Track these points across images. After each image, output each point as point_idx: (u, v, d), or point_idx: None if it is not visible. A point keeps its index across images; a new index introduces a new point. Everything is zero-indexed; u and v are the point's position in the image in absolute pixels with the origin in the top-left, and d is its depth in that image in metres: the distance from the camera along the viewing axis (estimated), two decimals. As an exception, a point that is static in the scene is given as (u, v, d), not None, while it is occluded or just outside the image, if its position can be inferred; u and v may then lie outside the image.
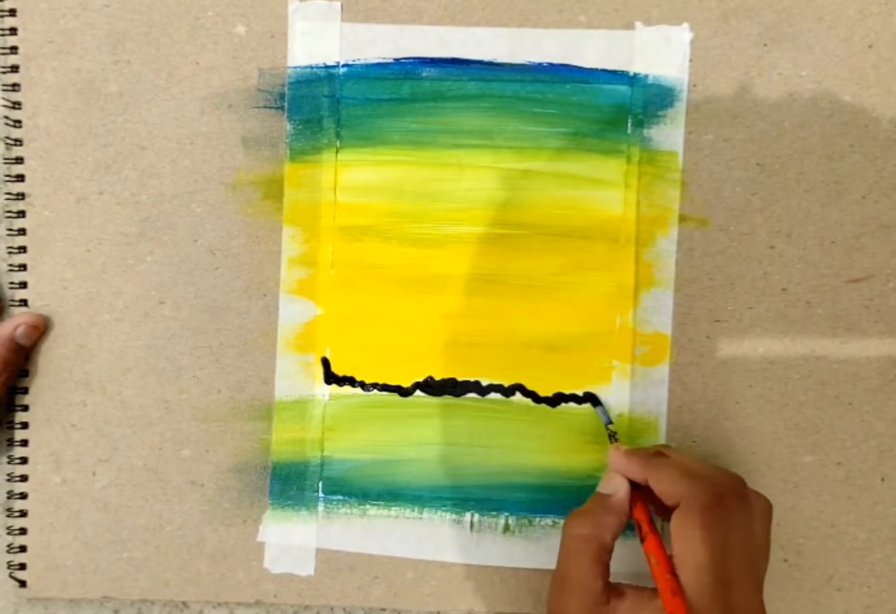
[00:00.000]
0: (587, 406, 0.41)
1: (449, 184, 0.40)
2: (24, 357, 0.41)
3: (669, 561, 0.32)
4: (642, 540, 0.34)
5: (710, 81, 0.40)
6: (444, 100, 0.40)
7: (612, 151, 0.40)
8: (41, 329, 0.41)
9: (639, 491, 0.35)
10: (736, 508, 0.33)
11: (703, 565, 0.31)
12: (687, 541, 0.32)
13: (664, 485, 0.33)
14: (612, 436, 0.39)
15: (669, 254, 0.40)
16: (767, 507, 0.35)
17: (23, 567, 0.42)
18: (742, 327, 0.40)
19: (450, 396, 0.41)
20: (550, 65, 0.40)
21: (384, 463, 0.41)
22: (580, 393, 0.41)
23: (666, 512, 0.34)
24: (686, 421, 0.40)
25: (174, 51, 0.41)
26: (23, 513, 0.42)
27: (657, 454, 0.36)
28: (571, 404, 0.41)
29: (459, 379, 0.41)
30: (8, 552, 0.42)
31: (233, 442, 0.42)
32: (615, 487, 0.35)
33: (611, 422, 0.40)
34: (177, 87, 0.41)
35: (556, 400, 0.41)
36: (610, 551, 0.34)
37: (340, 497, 0.41)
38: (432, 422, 0.41)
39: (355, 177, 0.41)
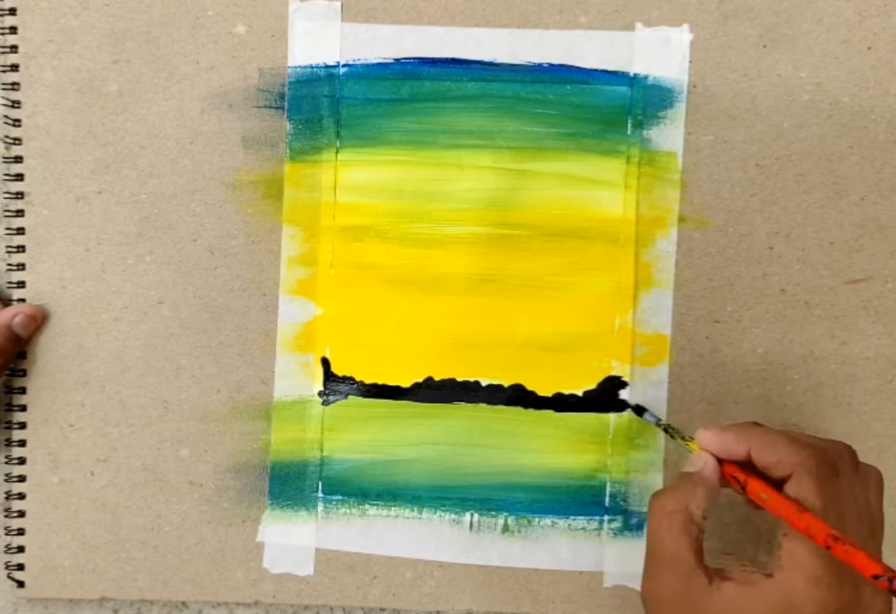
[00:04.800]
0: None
1: (449, 184, 0.40)
2: (20, 347, 0.41)
3: (781, 492, 0.30)
4: (743, 489, 0.32)
5: (709, 82, 0.40)
6: (444, 100, 0.40)
7: (612, 152, 0.40)
8: (38, 320, 0.41)
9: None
10: (850, 477, 0.31)
11: None
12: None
13: (771, 455, 0.31)
14: (668, 431, 0.37)
15: (669, 255, 0.40)
16: (880, 477, 0.33)
17: (21, 567, 0.42)
18: (741, 328, 0.40)
19: (449, 397, 0.41)
20: (550, 65, 0.40)
21: (383, 463, 0.41)
22: (580, 393, 0.41)
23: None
24: (685, 421, 0.40)
25: (174, 50, 0.40)
26: (21, 514, 0.42)
27: (755, 424, 0.33)
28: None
29: (459, 379, 0.41)
30: (6, 552, 0.42)
31: (232, 442, 0.41)
32: (701, 462, 0.33)
33: (660, 420, 0.39)
34: (177, 87, 0.41)
35: (556, 400, 0.41)
36: (700, 526, 0.32)
37: (340, 497, 0.41)
38: (432, 421, 0.41)
39: (355, 177, 0.41)
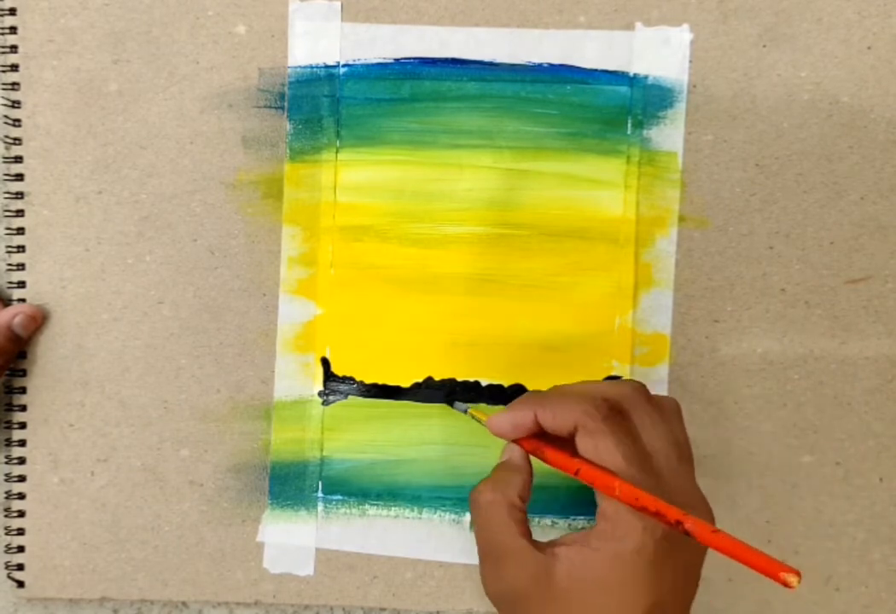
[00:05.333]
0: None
1: (449, 184, 0.40)
2: (20, 347, 0.41)
3: (576, 456, 0.31)
4: (543, 459, 0.32)
5: (709, 82, 0.40)
6: (444, 100, 0.40)
7: (612, 152, 0.40)
8: (39, 320, 0.41)
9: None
10: (639, 411, 0.32)
11: (623, 469, 0.30)
12: (598, 455, 0.30)
13: (554, 415, 0.31)
14: (474, 417, 0.37)
15: (669, 255, 0.40)
16: (675, 405, 0.34)
17: (21, 567, 0.42)
18: (741, 327, 0.40)
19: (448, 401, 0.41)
20: (550, 65, 0.40)
21: (383, 463, 0.41)
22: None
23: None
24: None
25: (174, 50, 0.40)
26: (21, 514, 0.42)
27: (536, 391, 0.34)
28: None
29: (459, 379, 0.41)
30: (6, 552, 0.42)
31: (232, 442, 0.41)
32: (508, 451, 0.34)
33: (468, 409, 0.37)
34: (177, 87, 0.41)
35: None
36: (521, 509, 0.32)
37: (340, 497, 0.41)
38: (432, 422, 0.41)
39: (355, 177, 0.41)
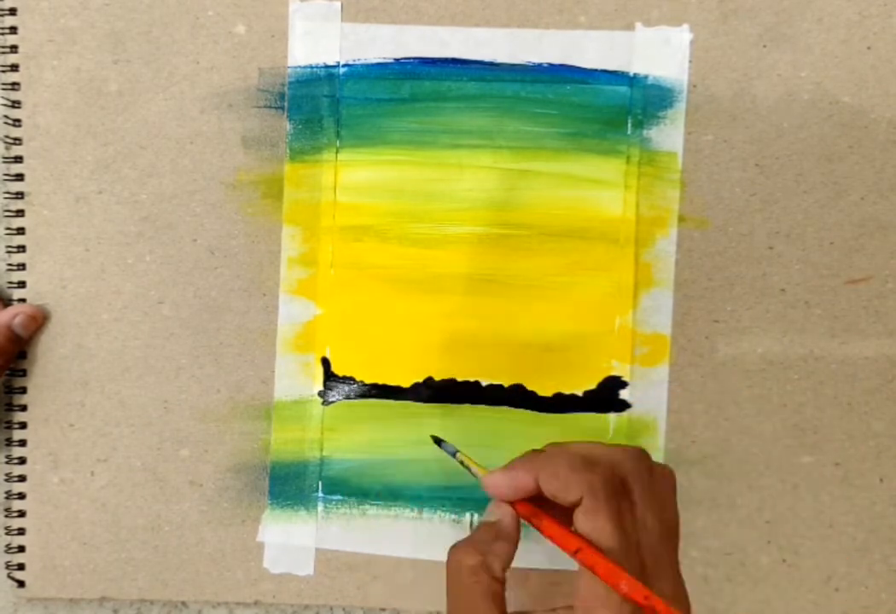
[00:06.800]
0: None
1: (449, 184, 0.40)
2: (20, 347, 0.41)
3: (576, 534, 0.29)
4: (539, 529, 0.30)
5: (709, 82, 0.40)
6: (444, 100, 0.40)
7: (612, 152, 0.40)
8: (39, 320, 0.41)
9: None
10: (643, 488, 0.30)
11: (615, 552, 0.28)
12: (593, 534, 0.28)
13: (557, 481, 0.29)
14: (462, 463, 0.34)
15: (669, 255, 0.40)
16: (672, 478, 0.32)
17: (21, 567, 0.42)
18: (741, 328, 0.40)
19: (449, 400, 0.41)
20: (550, 65, 0.40)
21: (383, 463, 0.41)
22: (580, 393, 0.41)
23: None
24: (685, 421, 0.41)
25: (174, 50, 0.40)
26: (21, 513, 0.42)
27: (537, 451, 0.31)
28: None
29: (459, 379, 0.41)
30: (6, 552, 0.42)
31: (232, 442, 0.41)
32: (500, 513, 0.31)
33: (456, 452, 0.35)
34: (177, 87, 0.41)
35: (556, 400, 0.41)
36: (502, 582, 0.30)
37: (340, 497, 0.41)
38: (432, 422, 0.41)
39: (355, 177, 0.41)
